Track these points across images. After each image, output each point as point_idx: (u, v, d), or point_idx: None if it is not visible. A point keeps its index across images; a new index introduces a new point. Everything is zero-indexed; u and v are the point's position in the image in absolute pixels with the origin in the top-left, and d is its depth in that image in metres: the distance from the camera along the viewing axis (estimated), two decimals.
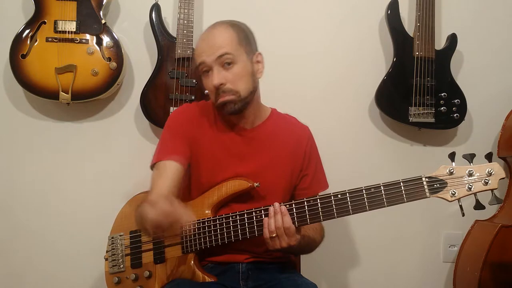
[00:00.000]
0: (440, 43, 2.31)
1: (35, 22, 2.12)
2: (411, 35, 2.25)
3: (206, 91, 2.11)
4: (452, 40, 2.27)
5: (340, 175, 2.27)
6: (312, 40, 2.35)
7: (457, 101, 2.24)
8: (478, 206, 1.43)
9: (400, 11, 2.25)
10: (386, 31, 2.29)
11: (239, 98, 1.61)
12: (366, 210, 1.47)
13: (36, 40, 2.11)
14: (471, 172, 1.43)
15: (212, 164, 1.68)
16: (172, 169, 1.60)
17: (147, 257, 1.67)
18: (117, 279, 1.70)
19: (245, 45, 1.65)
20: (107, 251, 1.75)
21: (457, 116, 2.25)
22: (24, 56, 2.10)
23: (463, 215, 1.44)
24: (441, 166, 1.45)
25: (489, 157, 1.44)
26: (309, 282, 1.62)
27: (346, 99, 2.36)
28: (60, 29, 2.12)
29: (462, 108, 2.25)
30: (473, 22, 2.39)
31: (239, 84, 1.61)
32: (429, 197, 1.44)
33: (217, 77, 1.58)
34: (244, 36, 1.66)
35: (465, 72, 2.37)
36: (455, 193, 1.43)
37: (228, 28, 1.64)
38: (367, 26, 2.36)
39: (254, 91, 1.67)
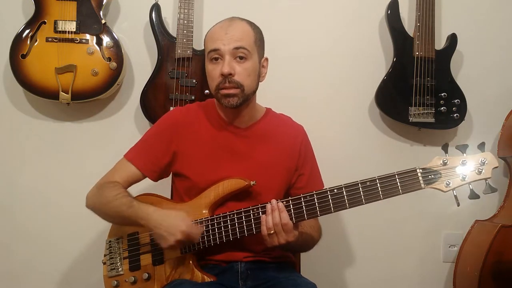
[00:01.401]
0: (440, 43, 2.31)
1: (35, 22, 2.12)
2: (411, 35, 2.25)
3: (207, 91, 2.14)
4: (452, 40, 2.27)
5: (340, 175, 2.25)
6: (312, 40, 2.35)
7: (457, 101, 2.24)
8: (473, 195, 1.45)
9: (400, 11, 2.25)
10: (386, 31, 2.29)
11: (242, 93, 1.62)
12: (362, 204, 1.48)
13: (36, 40, 2.12)
14: (465, 162, 1.44)
15: (207, 164, 1.68)
16: (131, 173, 1.70)
17: (146, 259, 1.67)
18: (116, 282, 1.69)
19: (259, 46, 1.68)
20: (104, 255, 1.74)
21: (457, 116, 2.25)
22: (24, 56, 2.10)
23: (458, 205, 1.45)
24: (435, 157, 1.46)
25: (481, 147, 1.46)
26: (309, 282, 1.62)
27: (346, 99, 2.36)
28: (60, 29, 2.12)
29: (462, 108, 2.25)
30: (473, 22, 2.39)
31: (246, 79, 1.62)
32: (424, 188, 1.45)
33: (228, 66, 1.59)
34: (260, 37, 1.69)
35: (465, 72, 2.37)
36: (450, 183, 1.44)
37: (247, 25, 1.66)
38: (367, 26, 2.36)
39: (255, 92, 1.69)
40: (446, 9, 2.37)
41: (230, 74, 1.59)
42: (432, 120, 2.23)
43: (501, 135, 2.26)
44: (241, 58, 1.60)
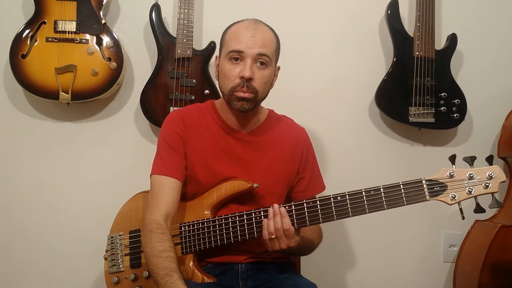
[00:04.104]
0: (440, 43, 2.31)
1: (35, 22, 2.12)
2: (411, 35, 2.25)
3: (206, 91, 2.14)
4: (452, 40, 2.27)
5: (340, 175, 2.27)
6: (312, 40, 2.35)
7: (457, 101, 2.24)
8: (478, 209, 1.43)
9: (400, 11, 2.25)
10: (386, 31, 2.29)
11: (255, 99, 1.62)
12: (365, 213, 1.47)
13: (36, 40, 2.11)
14: (472, 175, 1.43)
15: (210, 167, 1.67)
16: (171, 185, 1.61)
17: None
18: (116, 278, 1.70)
19: (277, 55, 1.68)
20: (106, 251, 1.75)
21: (457, 116, 2.25)
22: (24, 56, 2.10)
23: (463, 218, 1.45)
24: (442, 169, 1.45)
25: (490, 160, 1.44)
26: (309, 282, 1.62)
27: (346, 99, 2.36)
28: (60, 29, 2.12)
29: (462, 108, 2.25)
30: (473, 22, 2.39)
31: (262, 86, 1.62)
32: (429, 200, 1.44)
33: (250, 70, 1.58)
34: (279, 46, 1.69)
35: (465, 72, 2.37)
36: (455, 196, 1.43)
37: (271, 33, 1.66)
38: (367, 26, 2.36)
39: (264, 99, 1.69)
40: (446, 9, 2.37)
41: (251, 78, 1.58)
42: (432, 120, 2.23)
43: (501, 135, 2.26)
44: (261, 64, 1.60)
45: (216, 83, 1.75)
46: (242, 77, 1.58)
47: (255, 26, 1.63)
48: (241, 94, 1.59)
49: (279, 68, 1.73)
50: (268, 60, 1.61)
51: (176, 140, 1.67)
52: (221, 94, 1.70)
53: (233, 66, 1.60)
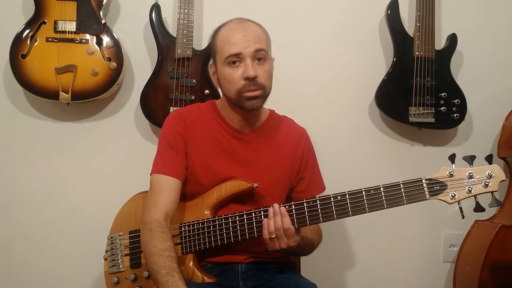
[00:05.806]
0: (440, 43, 2.31)
1: (35, 22, 2.12)
2: (411, 35, 2.25)
3: (207, 91, 2.14)
4: (452, 40, 2.27)
5: (340, 175, 2.27)
6: (312, 40, 2.35)
7: (457, 101, 2.24)
8: (478, 208, 1.43)
9: (400, 11, 2.25)
10: (386, 31, 2.29)
11: (264, 94, 1.62)
12: (365, 212, 1.47)
13: (36, 40, 2.11)
14: (471, 174, 1.43)
15: (211, 167, 1.67)
16: (171, 185, 1.61)
17: None
18: (116, 279, 1.70)
19: (270, 47, 1.68)
20: (106, 251, 1.75)
21: (457, 116, 2.25)
22: (24, 56, 2.10)
23: (463, 217, 1.45)
24: (441, 168, 1.45)
25: (489, 159, 1.44)
26: (309, 282, 1.62)
27: (346, 99, 2.36)
28: (60, 29, 2.12)
29: (462, 108, 2.25)
30: (473, 22, 2.39)
31: (267, 81, 1.62)
32: (429, 199, 1.45)
33: (253, 68, 1.57)
34: (269, 38, 1.69)
35: (465, 72, 2.37)
36: (455, 195, 1.43)
37: (259, 27, 1.67)
38: (367, 26, 2.36)
39: (270, 92, 1.67)
40: (446, 9, 2.37)
41: (256, 76, 1.58)
42: (432, 120, 2.23)
43: (501, 135, 2.26)
44: (260, 59, 1.60)
45: (219, 90, 1.73)
46: (247, 78, 1.57)
47: (243, 26, 1.62)
48: (250, 94, 1.59)
49: (273, 59, 1.72)
50: (265, 54, 1.61)
51: (177, 139, 1.67)
52: (227, 98, 1.67)
53: (234, 70, 1.60)
